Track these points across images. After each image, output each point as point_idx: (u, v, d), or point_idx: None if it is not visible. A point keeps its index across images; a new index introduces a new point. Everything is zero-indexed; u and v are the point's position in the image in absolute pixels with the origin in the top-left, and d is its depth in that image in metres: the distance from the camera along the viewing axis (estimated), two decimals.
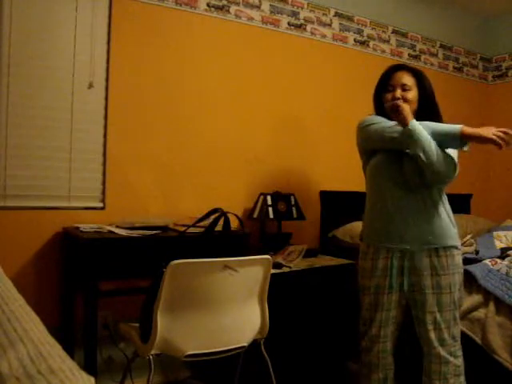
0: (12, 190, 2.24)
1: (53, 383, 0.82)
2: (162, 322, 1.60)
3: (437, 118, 1.93)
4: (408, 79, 1.95)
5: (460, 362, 1.87)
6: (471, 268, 2.37)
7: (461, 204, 3.86)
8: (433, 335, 1.83)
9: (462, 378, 1.88)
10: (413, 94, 1.93)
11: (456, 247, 1.88)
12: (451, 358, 1.83)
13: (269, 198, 2.76)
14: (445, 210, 1.89)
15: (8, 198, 2.23)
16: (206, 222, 2.09)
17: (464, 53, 4.08)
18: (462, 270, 1.91)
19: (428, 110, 1.94)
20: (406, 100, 1.91)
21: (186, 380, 2.57)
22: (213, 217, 2.05)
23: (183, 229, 2.16)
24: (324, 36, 3.24)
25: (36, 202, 2.29)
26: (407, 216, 1.85)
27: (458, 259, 1.88)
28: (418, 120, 1.83)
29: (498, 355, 2.10)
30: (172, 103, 2.65)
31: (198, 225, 2.11)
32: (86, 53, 2.40)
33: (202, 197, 2.71)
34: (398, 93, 1.92)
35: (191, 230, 2.13)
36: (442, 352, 1.83)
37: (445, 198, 1.93)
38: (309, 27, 3.17)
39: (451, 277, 1.84)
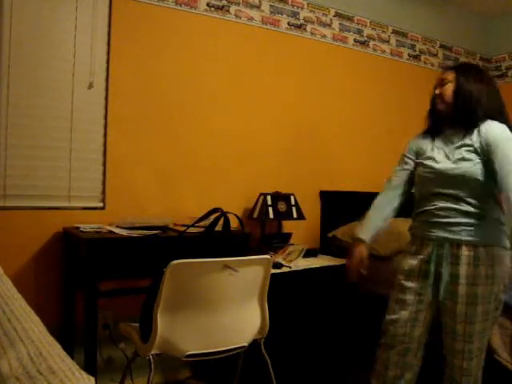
0: (12, 190, 2.24)
1: (53, 383, 0.82)
2: (162, 321, 1.60)
3: (472, 118, 1.77)
4: (448, 74, 1.86)
5: (480, 373, 1.79)
6: None
7: None
8: (460, 346, 1.75)
9: None
10: (450, 87, 1.82)
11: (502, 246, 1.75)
12: (474, 371, 1.76)
13: (269, 197, 2.76)
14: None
15: (8, 198, 2.23)
16: (206, 222, 2.08)
17: (464, 53, 4.08)
18: (503, 280, 1.77)
19: (463, 108, 1.79)
20: (443, 96, 1.83)
21: (186, 380, 2.57)
22: (213, 217, 2.05)
23: (183, 229, 2.16)
24: (324, 36, 3.24)
25: (36, 201, 2.29)
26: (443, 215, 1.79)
27: (502, 269, 1.75)
28: (452, 118, 1.81)
29: (498, 355, 2.09)
30: (172, 103, 2.65)
31: (197, 225, 2.11)
32: (86, 53, 2.40)
33: (201, 197, 2.71)
34: (438, 90, 1.86)
35: (191, 229, 2.12)
36: (466, 365, 1.75)
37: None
38: (309, 27, 3.17)
39: (489, 287, 1.72)
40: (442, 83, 1.86)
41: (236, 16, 2.86)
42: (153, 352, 1.62)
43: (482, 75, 1.86)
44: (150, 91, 2.58)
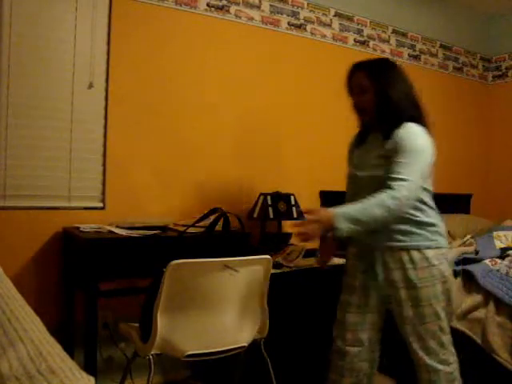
0: (12, 190, 2.24)
1: (53, 383, 0.82)
2: (162, 321, 1.60)
3: (398, 120, 1.72)
4: (362, 79, 1.80)
5: (453, 368, 1.77)
6: (471, 268, 2.37)
7: (461, 204, 3.86)
8: (416, 345, 1.75)
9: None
10: (369, 97, 1.78)
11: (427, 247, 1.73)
12: (441, 367, 1.74)
13: (269, 198, 2.75)
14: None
15: (8, 198, 2.23)
16: (206, 222, 2.09)
17: (464, 53, 4.08)
18: (447, 278, 1.76)
19: (387, 111, 1.75)
20: (363, 107, 1.81)
21: (186, 380, 2.57)
22: (212, 217, 2.05)
23: (183, 229, 2.16)
24: (324, 36, 3.24)
25: (36, 201, 2.29)
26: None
27: (439, 268, 1.73)
28: (378, 124, 1.78)
29: (498, 355, 2.10)
30: (172, 103, 2.65)
31: (197, 225, 2.11)
32: (86, 53, 2.40)
33: (202, 197, 2.71)
34: (355, 98, 1.83)
35: (191, 230, 2.13)
36: (429, 361, 1.73)
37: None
38: (309, 27, 3.17)
39: (431, 288, 1.71)
40: (358, 90, 1.82)
41: (236, 16, 2.86)
42: (153, 352, 1.62)
43: (396, 72, 1.82)
44: (150, 91, 2.58)
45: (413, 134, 1.69)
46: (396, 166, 1.65)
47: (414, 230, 1.72)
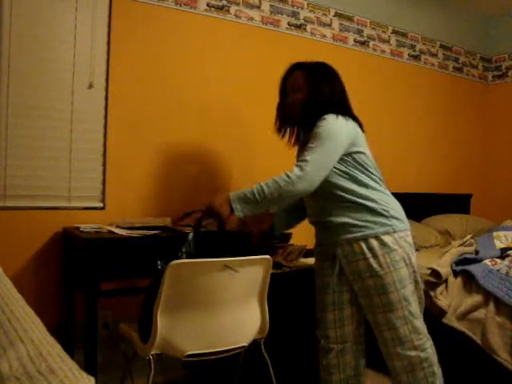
0: (12, 190, 2.24)
1: (53, 383, 0.82)
2: (161, 321, 1.60)
3: (322, 113, 1.76)
4: (299, 78, 1.85)
5: (429, 353, 1.75)
6: (471, 268, 2.37)
7: (461, 204, 3.86)
8: (388, 335, 1.75)
9: (435, 368, 1.77)
10: (300, 96, 1.83)
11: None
12: (414, 353, 1.72)
13: None
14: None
15: (8, 198, 2.23)
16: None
17: (464, 53, 4.08)
18: (410, 260, 1.76)
19: (316, 107, 1.79)
20: (292, 103, 1.84)
21: (186, 380, 2.57)
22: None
23: (184, 229, 2.16)
24: (324, 36, 3.24)
25: (36, 202, 2.29)
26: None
27: (399, 252, 1.72)
28: (300, 122, 1.84)
29: (498, 355, 2.09)
30: (172, 103, 2.65)
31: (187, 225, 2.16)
32: (86, 53, 2.40)
33: (201, 196, 2.70)
34: (290, 98, 1.86)
35: (190, 229, 2.12)
36: (401, 350, 1.73)
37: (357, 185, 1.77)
38: (309, 27, 3.17)
39: (394, 273, 1.71)
40: (293, 89, 1.85)
41: (236, 16, 2.86)
42: (153, 352, 1.62)
43: (331, 74, 1.90)
44: (150, 91, 2.58)
45: (326, 122, 1.72)
46: (305, 151, 1.71)
47: (368, 218, 1.73)
